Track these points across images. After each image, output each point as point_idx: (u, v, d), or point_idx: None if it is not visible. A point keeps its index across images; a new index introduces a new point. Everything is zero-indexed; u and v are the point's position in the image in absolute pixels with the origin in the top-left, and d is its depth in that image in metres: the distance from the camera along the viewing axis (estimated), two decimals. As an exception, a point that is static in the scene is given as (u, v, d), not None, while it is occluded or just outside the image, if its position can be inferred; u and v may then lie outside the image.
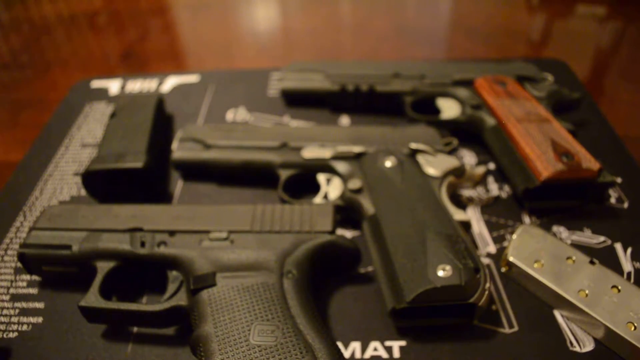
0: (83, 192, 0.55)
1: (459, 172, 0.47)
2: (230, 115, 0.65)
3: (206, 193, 0.54)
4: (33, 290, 0.45)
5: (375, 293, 0.42)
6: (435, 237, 0.40)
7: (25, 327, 0.42)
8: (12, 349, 0.40)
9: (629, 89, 0.74)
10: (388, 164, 0.47)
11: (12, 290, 0.45)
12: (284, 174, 0.51)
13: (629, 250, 0.45)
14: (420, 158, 0.47)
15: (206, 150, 0.53)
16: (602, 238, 0.46)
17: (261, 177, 0.53)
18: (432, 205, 0.42)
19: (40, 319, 0.42)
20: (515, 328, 0.39)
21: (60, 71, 0.86)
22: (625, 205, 0.49)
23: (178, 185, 0.55)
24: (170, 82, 0.73)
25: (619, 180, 0.52)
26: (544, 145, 0.48)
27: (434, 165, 0.46)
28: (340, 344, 0.39)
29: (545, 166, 0.45)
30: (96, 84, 0.73)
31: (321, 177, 0.51)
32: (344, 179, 0.49)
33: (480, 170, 0.49)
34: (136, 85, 0.72)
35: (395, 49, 0.87)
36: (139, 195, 0.50)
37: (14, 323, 0.42)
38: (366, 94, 0.62)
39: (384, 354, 0.38)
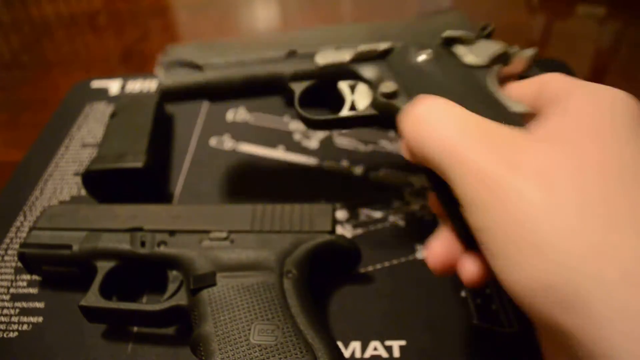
0: (83, 192, 0.55)
1: (505, 58, 0.38)
2: (230, 116, 0.66)
3: (206, 193, 0.54)
4: (33, 290, 0.45)
5: (375, 293, 0.42)
6: None
7: (25, 327, 0.42)
8: (12, 348, 0.40)
9: (629, 89, 0.73)
10: (422, 57, 0.38)
11: (12, 290, 0.45)
12: (297, 88, 0.42)
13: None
14: (458, 48, 0.38)
15: (200, 73, 0.43)
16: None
17: (271, 94, 0.45)
18: (483, 99, 0.34)
19: (40, 319, 0.42)
20: (515, 328, 0.39)
21: (60, 71, 0.86)
22: (625, 205, 0.49)
23: (178, 185, 0.55)
24: (171, 82, 0.72)
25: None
26: None
27: (475, 53, 0.38)
28: (340, 344, 0.39)
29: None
30: (96, 84, 0.73)
31: (343, 86, 0.42)
32: (372, 83, 0.40)
33: (529, 52, 0.40)
34: (136, 86, 0.72)
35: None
36: (139, 195, 0.50)
37: (14, 323, 0.42)
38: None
39: (384, 354, 0.38)
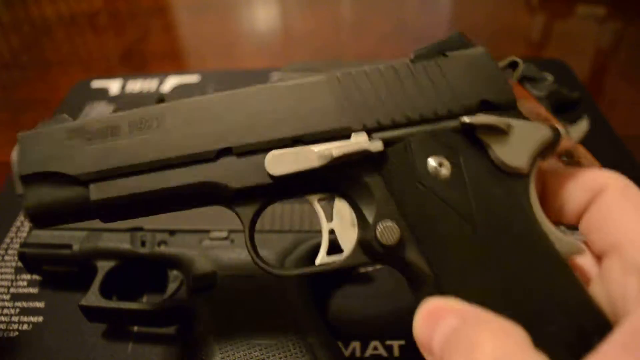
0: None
1: (552, 146, 0.25)
2: (230, 115, 0.65)
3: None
4: (33, 290, 0.45)
5: (375, 293, 0.42)
6: (555, 322, 0.22)
7: (25, 327, 0.42)
8: (12, 348, 0.40)
9: (629, 89, 0.74)
10: (434, 167, 0.25)
11: (12, 290, 0.45)
12: (246, 213, 0.27)
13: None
14: (488, 138, 0.25)
15: (80, 188, 0.27)
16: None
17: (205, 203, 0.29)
18: (523, 232, 0.24)
19: (40, 319, 0.42)
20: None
21: (60, 71, 0.86)
22: (625, 205, 0.49)
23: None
24: (171, 82, 0.73)
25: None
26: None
27: (513, 148, 0.25)
28: (340, 344, 0.39)
29: (545, 166, 0.45)
30: (96, 84, 0.73)
31: (314, 202, 0.28)
32: (358, 209, 0.27)
33: (583, 126, 0.27)
34: (136, 86, 0.72)
35: (395, 48, 0.87)
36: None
37: (15, 322, 0.42)
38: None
39: (384, 353, 0.38)
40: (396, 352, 0.38)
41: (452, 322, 0.20)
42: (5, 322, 0.42)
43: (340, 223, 0.28)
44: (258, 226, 0.41)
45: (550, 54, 0.83)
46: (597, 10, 0.95)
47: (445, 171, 0.25)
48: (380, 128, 0.26)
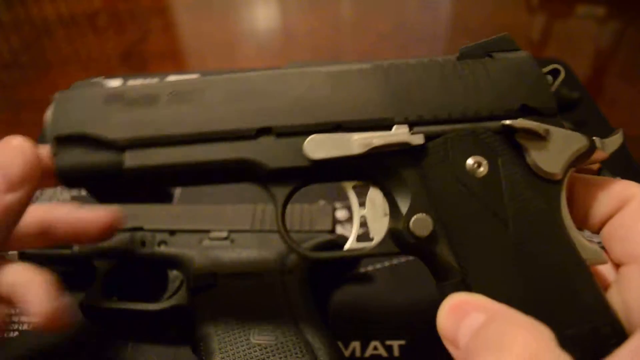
0: (83, 192, 0.55)
1: (586, 156, 0.26)
2: (230, 115, 0.65)
3: (207, 193, 0.54)
4: (33, 290, 0.45)
5: (375, 293, 0.42)
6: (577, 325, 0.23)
7: (25, 327, 0.42)
8: (12, 348, 0.40)
9: (629, 89, 0.74)
10: (472, 166, 0.25)
11: (12, 290, 0.45)
12: (279, 194, 0.27)
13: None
14: (527, 143, 0.25)
15: (114, 154, 0.26)
16: (602, 238, 0.46)
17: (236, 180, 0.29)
18: (552, 236, 0.25)
19: (40, 319, 0.42)
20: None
21: (60, 71, 0.86)
22: (625, 205, 0.49)
23: (178, 185, 0.55)
24: (171, 82, 0.72)
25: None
26: None
27: (549, 154, 0.25)
28: (340, 344, 0.39)
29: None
30: (96, 83, 0.73)
31: (348, 189, 0.28)
32: (392, 199, 0.27)
33: (617, 140, 0.29)
34: (136, 85, 0.72)
35: (395, 48, 0.87)
36: (139, 195, 0.50)
37: (14, 322, 0.42)
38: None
39: (384, 353, 0.38)
40: (396, 352, 0.38)
41: (480, 318, 0.20)
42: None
43: (372, 211, 0.28)
44: (258, 226, 0.41)
45: (550, 54, 0.83)
46: (597, 10, 0.95)
47: (482, 170, 0.25)
48: (422, 122, 0.26)
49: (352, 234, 0.28)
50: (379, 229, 0.27)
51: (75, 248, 0.42)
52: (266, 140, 0.26)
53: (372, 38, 0.90)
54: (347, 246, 0.28)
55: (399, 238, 0.26)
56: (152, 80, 0.27)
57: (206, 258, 0.39)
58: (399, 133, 0.25)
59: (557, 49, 0.85)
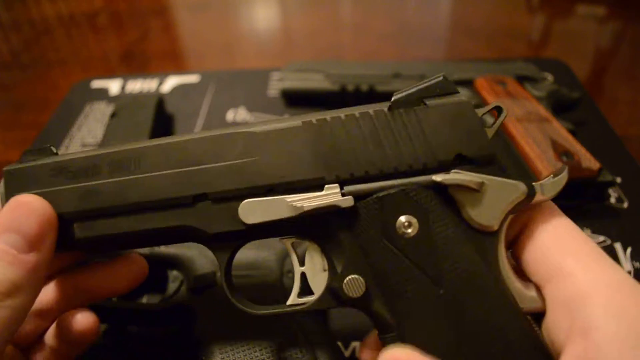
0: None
1: (525, 202, 0.25)
2: (230, 116, 0.66)
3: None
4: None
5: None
6: None
7: (25, 327, 0.42)
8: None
9: (629, 89, 0.74)
10: (403, 221, 0.25)
11: (12, 290, 0.45)
12: (222, 253, 0.28)
13: (629, 250, 0.45)
14: (460, 196, 0.25)
15: (66, 226, 0.28)
16: (601, 238, 0.46)
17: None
18: (488, 291, 0.24)
19: (40, 319, 0.42)
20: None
21: (60, 71, 0.86)
22: (625, 205, 0.50)
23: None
24: (171, 82, 0.73)
25: (618, 180, 0.52)
26: (543, 144, 0.48)
27: (485, 207, 0.24)
28: (340, 344, 0.39)
29: (545, 165, 0.45)
30: (96, 84, 0.73)
31: (287, 245, 0.29)
32: (329, 257, 0.28)
33: (560, 181, 0.26)
34: (136, 86, 0.72)
35: (395, 49, 0.87)
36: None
37: (14, 323, 0.42)
38: (366, 94, 0.62)
39: (384, 354, 0.38)
40: None
41: None
42: (5, 322, 0.42)
43: (311, 267, 0.28)
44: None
45: (550, 54, 0.83)
46: (597, 10, 0.95)
47: (412, 230, 0.25)
48: (353, 180, 0.26)
49: (293, 289, 0.28)
50: (318, 283, 0.28)
51: (75, 248, 0.41)
52: (203, 206, 0.27)
53: (373, 38, 0.90)
54: (289, 301, 0.28)
55: (336, 294, 0.26)
56: (91, 150, 0.29)
57: (206, 258, 0.39)
58: (329, 194, 0.25)
59: (557, 49, 0.85)
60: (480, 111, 0.26)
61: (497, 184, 0.24)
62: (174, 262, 0.40)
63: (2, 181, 0.28)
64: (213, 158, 0.27)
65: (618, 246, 0.46)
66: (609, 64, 0.82)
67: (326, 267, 0.28)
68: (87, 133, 0.64)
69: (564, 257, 0.23)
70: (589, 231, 0.47)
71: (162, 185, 0.27)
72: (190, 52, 0.95)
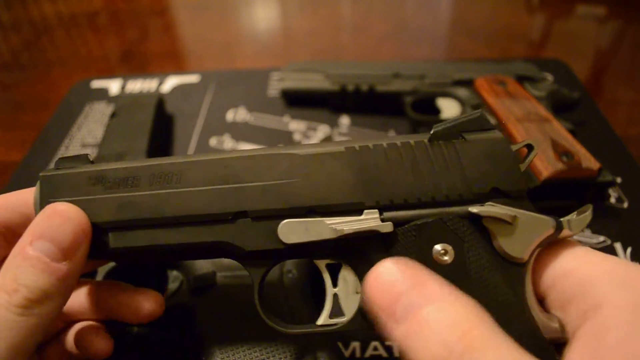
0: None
1: (553, 237, 0.26)
2: (230, 116, 0.66)
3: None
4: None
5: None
6: None
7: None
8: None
9: (629, 89, 0.74)
10: (439, 255, 0.26)
11: (12, 290, 0.45)
12: (256, 271, 0.29)
13: (629, 250, 0.45)
14: (494, 227, 0.26)
15: (100, 235, 0.28)
16: (601, 238, 0.46)
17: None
18: (515, 316, 0.25)
19: (40, 319, 0.42)
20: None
21: (60, 71, 0.86)
22: (625, 205, 0.50)
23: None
24: (171, 82, 0.73)
25: (618, 180, 0.52)
26: (543, 144, 0.48)
27: (516, 239, 0.26)
28: (340, 344, 0.39)
29: (545, 166, 0.45)
30: (96, 84, 0.73)
31: (322, 267, 0.30)
32: (362, 279, 0.28)
33: (585, 218, 0.27)
34: (136, 86, 0.72)
35: (395, 49, 0.87)
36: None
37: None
38: (366, 94, 0.62)
39: (384, 354, 0.38)
40: (396, 352, 0.38)
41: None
42: (5, 322, 0.42)
43: (344, 288, 0.29)
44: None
45: (550, 54, 0.83)
46: (597, 10, 0.95)
47: (447, 258, 0.25)
48: (392, 207, 0.26)
49: (324, 310, 0.29)
50: (350, 305, 0.28)
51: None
52: (243, 224, 0.27)
53: (373, 38, 0.90)
54: (320, 321, 0.29)
55: (367, 317, 0.26)
56: (132, 162, 0.28)
57: (206, 258, 0.39)
58: (369, 219, 0.26)
59: (557, 49, 0.85)
60: (514, 147, 0.27)
61: (529, 218, 0.25)
62: (174, 262, 0.40)
63: (37, 186, 0.28)
64: (255, 177, 0.27)
65: (618, 246, 0.45)
66: (609, 64, 0.82)
67: (359, 289, 0.28)
68: (87, 133, 0.64)
69: (566, 261, 0.24)
70: (589, 231, 0.47)
71: (203, 200, 0.27)
72: (190, 52, 0.95)
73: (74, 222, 0.26)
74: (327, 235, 0.26)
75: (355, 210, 0.26)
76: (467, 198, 0.26)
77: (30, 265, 0.24)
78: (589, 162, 0.46)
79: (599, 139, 0.57)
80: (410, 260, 0.23)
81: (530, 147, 0.27)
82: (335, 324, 0.28)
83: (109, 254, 0.28)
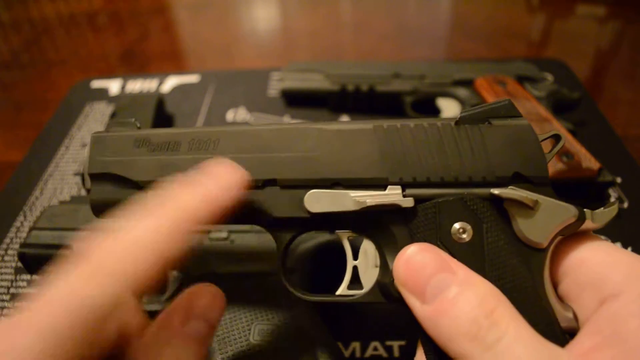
0: (83, 192, 0.55)
1: (575, 226, 0.26)
2: (230, 116, 0.66)
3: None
4: (33, 290, 0.45)
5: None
6: None
7: (25, 327, 0.42)
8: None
9: (629, 89, 0.74)
10: (457, 228, 0.26)
11: (12, 290, 0.45)
12: (282, 238, 0.30)
13: (629, 250, 0.45)
14: (514, 211, 0.26)
15: (140, 193, 0.30)
16: (602, 237, 0.46)
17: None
18: (531, 301, 0.25)
19: (40, 319, 0.42)
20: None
21: (60, 71, 0.86)
22: (625, 205, 0.50)
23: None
24: (171, 82, 0.73)
25: (618, 180, 0.52)
26: (543, 144, 0.48)
27: (536, 224, 0.26)
28: (340, 344, 0.39)
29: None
30: (96, 84, 0.73)
31: (343, 238, 0.30)
32: (382, 253, 0.29)
33: (611, 212, 0.27)
34: (136, 85, 0.72)
35: (395, 49, 0.87)
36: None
37: (14, 323, 0.42)
38: (366, 94, 0.62)
39: (384, 354, 0.38)
40: (396, 353, 0.38)
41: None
42: (5, 322, 0.42)
43: (364, 261, 0.30)
44: (258, 226, 0.41)
45: (550, 54, 0.83)
46: (597, 10, 0.95)
47: (466, 236, 0.26)
48: (415, 184, 0.27)
49: (344, 280, 0.30)
50: (369, 278, 0.29)
51: (75, 248, 0.41)
52: (272, 190, 0.28)
53: (372, 38, 0.90)
54: (339, 291, 0.29)
55: (385, 290, 0.27)
56: (173, 128, 0.30)
57: (206, 258, 0.39)
58: (391, 194, 0.27)
59: (557, 49, 0.85)
60: (540, 136, 0.27)
61: (551, 204, 0.26)
62: (174, 262, 0.40)
63: (89, 145, 0.30)
64: (286, 148, 0.28)
65: (618, 246, 0.45)
66: (609, 64, 0.82)
67: (378, 263, 0.29)
68: (87, 133, 0.64)
69: (583, 250, 0.25)
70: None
71: None
72: (190, 52, 0.94)
73: (236, 172, 0.26)
74: (350, 206, 0.27)
75: (379, 185, 0.27)
76: (490, 181, 0.26)
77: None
78: (589, 162, 0.46)
79: (599, 139, 0.57)
80: (434, 247, 0.25)
81: (557, 138, 0.28)
82: (353, 295, 0.29)
83: None
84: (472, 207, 0.26)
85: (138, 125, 0.31)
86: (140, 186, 0.29)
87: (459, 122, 0.27)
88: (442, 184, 0.27)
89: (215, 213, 0.25)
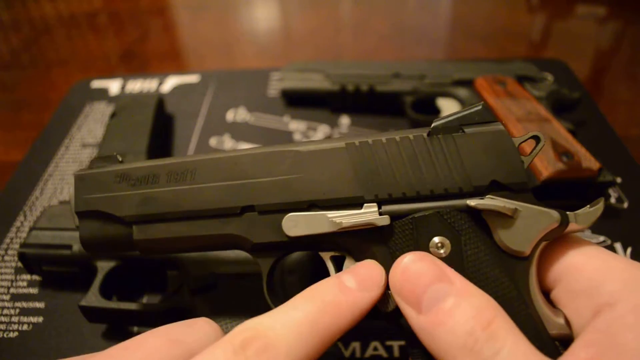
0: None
1: (558, 231, 0.25)
2: (230, 116, 0.66)
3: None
4: (33, 290, 0.45)
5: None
6: None
7: (25, 327, 0.42)
8: (12, 348, 0.40)
9: (629, 89, 0.74)
10: (436, 242, 0.25)
11: (12, 290, 0.45)
12: (265, 263, 0.30)
13: (629, 250, 0.45)
14: (493, 221, 0.25)
15: (125, 228, 0.30)
16: (601, 238, 0.46)
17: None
18: (518, 311, 0.24)
19: (40, 319, 0.42)
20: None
21: (60, 71, 0.86)
22: (625, 205, 0.50)
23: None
24: (171, 82, 0.73)
25: (618, 180, 0.52)
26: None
27: (517, 233, 0.25)
28: (340, 344, 0.39)
29: (545, 166, 0.45)
30: (96, 84, 0.73)
31: (326, 259, 0.30)
32: None
33: (595, 212, 0.27)
34: (136, 86, 0.72)
35: (395, 48, 0.87)
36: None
37: (15, 323, 0.42)
38: (366, 93, 0.62)
39: (384, 354, 0.38)
40: (396, 353, 0.38)
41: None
42: (5, 322, 0.42)
43: None
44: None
45: (550, 54, 0.83)
46: (597, 10, 0.95)
47: (445, 251, 0.25)
48: (391, 201, 0.27)
49: None
50: None
51: (75, 248, 0.42)
52: (250, 217, 0.28)
53: (373, 38, 0.90)
54: None
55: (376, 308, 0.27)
56: (152, 160, 0.31)
57: (206, 258, 0.39)
58: (367, 212, 0.27)
59: (557, 49, 0.85)
60: (517, 140, 0.27)
61: (531, 210, 0.25)
62: (174, 262, 0.40)
63: (73, 184, 0.31)
64: (262, 173, 0.28)
65: (618, 246, 0.46)
66: (609, 64, 0.82)
67: None
68: (87, 133, 0.64)
69: (575, 256, 0.24)
70: (589, 231, 0.47)
71: (214, 195, 0.29)
72: (190, 52, 0.94)
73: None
74: (327, 228, 0.27)
75: (356, 204, 0.27)
76: (467, 191, 0.26)
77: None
78: (589, 162, 0.46)
79: (599, 139, 0.57)
80: (431, 256, 0.24)
81: (537, 139, 0.27)
82: None
83: (135, 245, 0.30)
84: (448, 220, 0.25)
85: (120, 159, 0.32)
86: (123, 221, 0.30)
87: (431, 133, 0.27)
88: (419, 198, 0.26)
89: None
